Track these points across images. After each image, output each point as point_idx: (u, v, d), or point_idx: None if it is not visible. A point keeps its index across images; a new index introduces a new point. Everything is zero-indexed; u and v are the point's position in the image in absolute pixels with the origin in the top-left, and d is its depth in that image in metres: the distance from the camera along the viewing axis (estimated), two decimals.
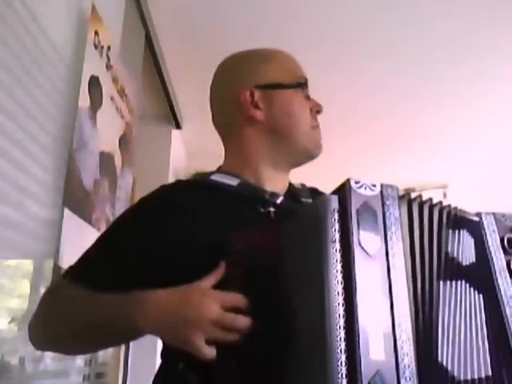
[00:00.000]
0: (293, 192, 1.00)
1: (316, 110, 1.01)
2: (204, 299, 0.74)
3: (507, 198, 4.65)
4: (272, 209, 0.91)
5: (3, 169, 1.16)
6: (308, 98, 1.00)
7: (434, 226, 0.77)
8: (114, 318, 0.80)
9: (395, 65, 2.76)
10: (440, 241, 0.77)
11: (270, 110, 0.97)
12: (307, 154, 0.99)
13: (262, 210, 0.90)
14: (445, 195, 4.41)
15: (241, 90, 0.97)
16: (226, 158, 1.02)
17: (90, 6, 1.57)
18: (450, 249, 0.78)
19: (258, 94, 0.97)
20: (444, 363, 0.72)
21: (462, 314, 0.76)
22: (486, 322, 0.77)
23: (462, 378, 0.72)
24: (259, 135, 0.97)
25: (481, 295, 0.78)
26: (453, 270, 0.77)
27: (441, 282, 0.75)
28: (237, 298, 0.75)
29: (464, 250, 0.80)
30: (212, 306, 0.73)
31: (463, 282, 0.78)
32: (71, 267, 0.95)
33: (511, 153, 3.79)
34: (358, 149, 3.83)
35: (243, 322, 0.73)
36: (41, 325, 0.90)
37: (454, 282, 0.76)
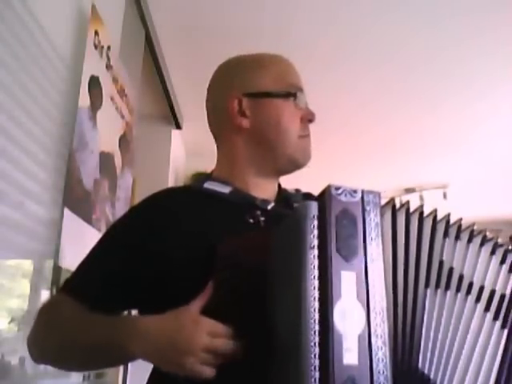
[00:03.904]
0: (285, 198, 1.01)
1: (308, 118, 0.99)
2: (195, 328, 0.75)
3: (507, 198, 4.66)
4: (262, 218, 0.91)
5: (3, 169, 1.16)
6: (301, 106, 0.98)
7: (424, 234, 0.76)
8: (105, 344, 0.81)
9: (396, 69, 2.77)
10: (432, 249, 0.76)
11: (256, 118, 0.96)
12: (293, 163, 0.98)
13: (252, 220, 0.91)
14: (445, 195, 4.41)
15: (229, 97, 0.97)
16: (217, 162, 1.03)
17: (90, 5, 1.57)
18: (445, 258, 0.77)
19: (245, 102, 0.96)
20: (426, 371, 0.71)
21: (459, 328, 0.75)
22: (504, 355, 0.75)
23: None
24: (246, 143, 0.98)
25: (505, 330, 0.76)
26: (450, 279, 0.76)
27: (429, 291, 0.74)
28: (225, 329, 0.76)
29: (472, 263, 0.78)
30: (203, 334, 0.74)
31: (467, 295, 0.76)
32: (67, 280, 0.95)
33: (511, 153, 3.79)
34: (360, 150, 3.84)
35: (232, 348, 0.74)
36: (37, 339, 0.90)
37: (449, 292, 0.76)
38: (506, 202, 4.80)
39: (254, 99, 0.97)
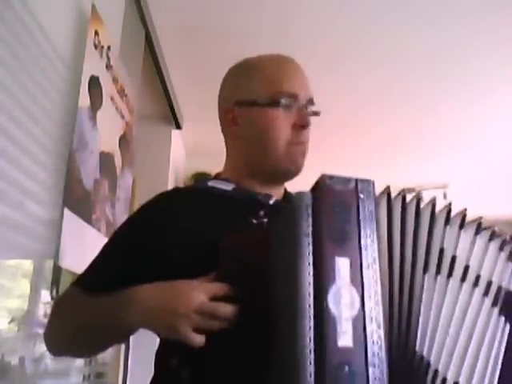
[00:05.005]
0: (288, 199, 1.02)
1: (300, 124, 0.96)
2: (188, 289, 0.78)
3: (507, 198, 4.66)
4: (265, 219, 0.91)
5: (3, 169, 1.16)
6: (293, 112, 0.96)
7: (423, 223, 0.78)
8: (108, 319, 0.84)
9: (396, 69, 2.77)
10: (430, 237, 0.78)
11: (245, 126, 0.98)
12: (282, 172, 0.98)
13: (255, 221, 0.91)
14: (445, 195, 4.41)
15: (225, 105, 1.01)
16: (224, 165, 1.06)
17: (90, 5, 1.57)
18: (446, 245, 0.78)
19: (236, 111, 0.98)
20: (425, 354, 0.73)
21: (464, 317, 0.76)
22: (508, 347, 0.77)
23: (448, 375, 0.74)
24: (239, 150, 1.00)
25: (505, 319, 0.78)
26: (452, 267, 0.78)
27: (427, 276, 0.76)
28: (219, 287, 0.77)
29: (473, 253, 0.80)
30: (195, 294, 0.77)
31: (470, 284, 0.78)
32: (78, 276, 0.99)
33: (511, 153, 3.79)
34: (360, 150, 3.84)
35: (226, 309, 0.76)
36: (51, 331, 0.94)
37: (452, 280, 0.77)
38: (506, 202, 4.80)
39: (243, 108, 0.98)
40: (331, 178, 0.71)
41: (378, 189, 0.75)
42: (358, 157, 3.94)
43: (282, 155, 0.96)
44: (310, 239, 0.69)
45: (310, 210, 0.70)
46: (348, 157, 3.95)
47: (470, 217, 0.84)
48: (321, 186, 0.70)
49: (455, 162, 4.06)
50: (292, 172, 0.98)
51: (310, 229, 0.69)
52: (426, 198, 0.83)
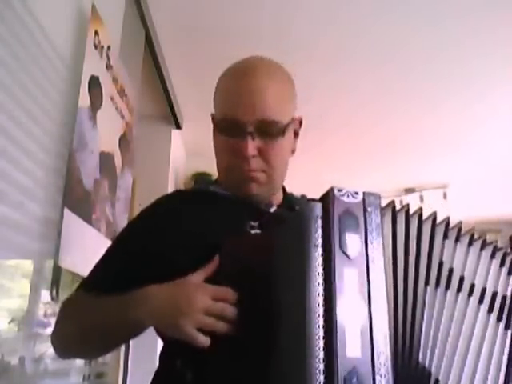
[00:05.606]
0: (288, 202, 1.02)
1: (233, 154, 0.92)
2: (196, 291, 0.79)
3: (507, 198, 4.66)
4: (267, 226, 0.91)
5: (3, 169, 1.16)
6: (233, 138, 0.92)
7: (424, 235, 0.80)
8: (114, 318, 0.84)
9: (396, 69, 2.76)
10: (431, 250, 0.80)
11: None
12: (234, 192, 0.96)
13: (251, 230, 0.91)
14: (445, 195, 4.41)
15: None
16: None
17: (90, 5, 1.57)
18: (445, 259, 0.81)
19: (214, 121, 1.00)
20: (426, 364, 0.75)
21: (462, 326, 0.78)
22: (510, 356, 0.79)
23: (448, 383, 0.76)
24: None
25: (509, 331, 0.80)
26: (449, 279, 0.80)
27: (429, 288, 0.78)
28: (226, 291, 0.78)
29: (472, 265, 0.82)
30: (203, 297, 0.78)
31: (468, 296, 0.80)
32: (81, 280, 1.00)
33: (511, 153, 3.79)
34: (360, 150, 3.83)
35: (231, 310, 0.77)
36: (59, 333, 0.95)
37: (450, 292, 0.79)
38: (506, 202, 4.80)
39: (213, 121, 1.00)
40: (340, 190, 0.72)
41: (378, 189, 0.76)
42: (358, 157, 3.94)
43: (226, 180, 0.97)
44: (320, 250, 0.70)
45: (319, 222, 0.71)
46: (348, 157, 3.95)
47: (469, 218, 0.85)
48: (330, 198, 0.72)
49: (455, 162, 4.06)
50: (242, 194, 0.95)
51: (320, 240, 0.70)
52: (426, 198, 0.85)
